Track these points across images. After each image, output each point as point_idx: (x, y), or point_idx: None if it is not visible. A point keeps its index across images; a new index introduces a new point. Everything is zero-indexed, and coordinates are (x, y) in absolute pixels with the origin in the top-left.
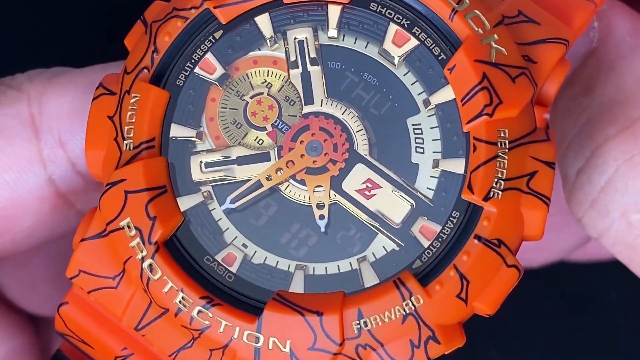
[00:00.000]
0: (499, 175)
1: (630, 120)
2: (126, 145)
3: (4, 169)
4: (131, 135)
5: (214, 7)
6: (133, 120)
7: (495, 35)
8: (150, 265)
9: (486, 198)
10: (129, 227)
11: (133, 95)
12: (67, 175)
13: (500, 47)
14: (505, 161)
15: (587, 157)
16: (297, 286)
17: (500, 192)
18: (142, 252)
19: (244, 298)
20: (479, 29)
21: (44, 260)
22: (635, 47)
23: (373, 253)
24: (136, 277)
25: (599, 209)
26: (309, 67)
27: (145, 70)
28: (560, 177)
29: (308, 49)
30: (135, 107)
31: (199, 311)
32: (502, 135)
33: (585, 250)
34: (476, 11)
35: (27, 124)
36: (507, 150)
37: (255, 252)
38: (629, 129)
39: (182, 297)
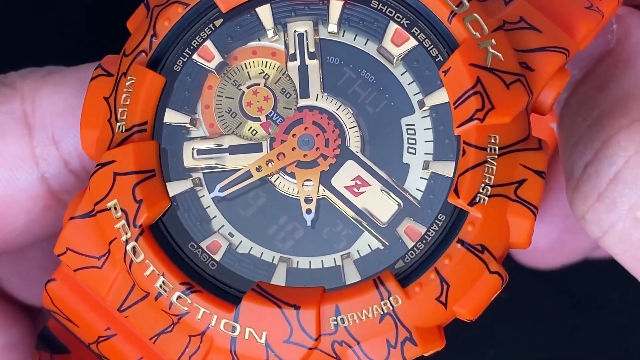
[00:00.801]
0: (487, 180)
1: None
2: (119, 127)
3: None
4: (124, 117)
5: None
6: (127, 103)
7: (493, 40)
8: (133, 247)
9: (472, 203)
10: (115, 208)
11: (129, 77)
12: (60, 173)
13: (496, 53)
14: (494, 167)
15: (597, 149)
16: (279, 278)
17: (486, 198)
18: (126, 234)
19: (225, 287)
20: (477, 33)
21: (41, 251)
22: None
23: (358, 250)
24: (120, 259)
25: (605, 202)
26: (307, 61)
27: (143, 54)
28: (564, 177)
29: (307, 42)
30: (130, 90)
31: (179, 297)
32: (492, 141)
33: (604, 249)
34: (475, 15)
35: (20, 121)
36: (496, 157)
37: (241, 241)
38: None
39: (163, 282)
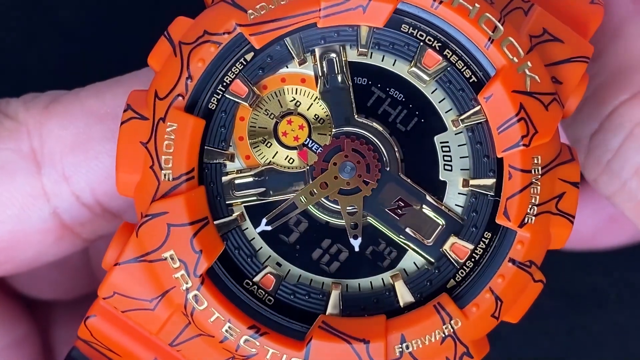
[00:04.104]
0: (533, 201)
1: None
2: (164, 175)
3: (6, 205)
4: (169, 165)
5: (250, 35)
6: (171, 151)
7: (529, 63)
8: (195, 296)
9: (521, 225)
10: (172, 259)
11: (169, 124)
12: (72, 207)
13: (534, 75)
14: (539, 187)
15: (602, 120)
16: (334, 306)
17: (533, 217)
18: (186, 283)
19: (285, 322)
20: (514, 58)
21: None
22: (639, 11)
23: (404, 269)
24: (179, 305)
25: (613, 169)
26: (338, 85)
27: (180, 98)
28: (570, 142)
29: (337, 66)
30: (172, 137)
31: (246, 340)
32: (536, 162)
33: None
34: (510, 38)
35: (28, 158)
36: (540, 177)
37: (289, 270)
38: None
39: (229, 327)
